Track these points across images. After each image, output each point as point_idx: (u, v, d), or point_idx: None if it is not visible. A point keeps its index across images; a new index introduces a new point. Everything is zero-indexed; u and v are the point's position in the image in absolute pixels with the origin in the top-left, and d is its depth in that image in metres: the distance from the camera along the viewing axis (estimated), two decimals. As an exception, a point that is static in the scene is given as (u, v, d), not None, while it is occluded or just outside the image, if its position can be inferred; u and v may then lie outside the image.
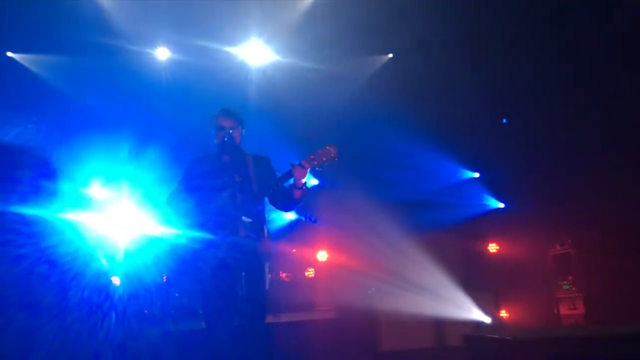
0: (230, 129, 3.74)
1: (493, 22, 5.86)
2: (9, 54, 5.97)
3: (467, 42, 6.12)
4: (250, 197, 3.61)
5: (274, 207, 3.80)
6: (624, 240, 6.16)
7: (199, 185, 3.70)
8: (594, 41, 5.70)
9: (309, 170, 3.55)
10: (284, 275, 6.86)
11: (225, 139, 3.72)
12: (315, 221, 6.43)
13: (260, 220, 3.67)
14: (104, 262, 4.47)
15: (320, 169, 3.55)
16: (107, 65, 5.93)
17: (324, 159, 3.51)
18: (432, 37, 6.02)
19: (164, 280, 5.67)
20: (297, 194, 3.59)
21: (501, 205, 8.03)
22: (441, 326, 6.64)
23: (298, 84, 6.40)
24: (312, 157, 3.53)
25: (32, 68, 6.06)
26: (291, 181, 3.58)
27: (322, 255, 7.36)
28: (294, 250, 6.88)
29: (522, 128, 6.99)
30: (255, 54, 6.26)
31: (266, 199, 3.74)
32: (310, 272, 7.36)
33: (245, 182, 3.66)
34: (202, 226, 3.55)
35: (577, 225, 6.90)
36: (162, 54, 6.18)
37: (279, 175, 3.68)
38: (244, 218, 3.55)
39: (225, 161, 3.74)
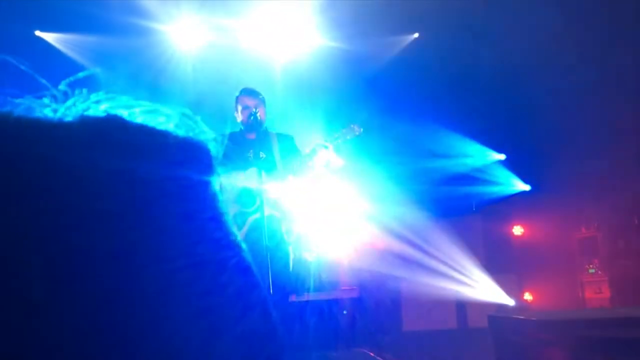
0: (255, 107, 3.77)
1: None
2: (38, 32, 6.04)
3: (494, 22, 6.03)
4: (275, 175, 3.63)
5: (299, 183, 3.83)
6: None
7: (224, 162, 3.73)
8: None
9: (332, 148, 3.57)
10: (307, 255, 6.89)
11: (251, 118, 3.74)
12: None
13: (283, 197, 3.70)
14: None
15: (345, 143, 3.56)
16: (134, 45, 5.96)
17: (348, 136, 3.53)
18: (458, 17, 5.94)
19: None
20: (320, 172, 3.62)
21: (527, 187, 7.94)
22: (464, 308, 6.64)
23: (322, 64, 6.37)
24: (336, 135, 3.54)
25: (61, 47, 6.12)
26: (316, 160, 3.60)
27: (346, 237, 7.37)
28: (318, 229, 6.90)
29: (548, 109, 6.88)
30: (280, 33, 6.25)
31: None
32: (333, 253, 7.37)
33: (268, 160, 3.69)
34: (227, 201, 3.59)
35: (603, 208, 6.80)
36: (186, 34, 6.19)
37: (303, 153, 3.70)
38: (268, 194, 3.58)
39: (250, 139, 3.77)
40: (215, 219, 0.50)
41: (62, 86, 0.59)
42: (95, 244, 0.40)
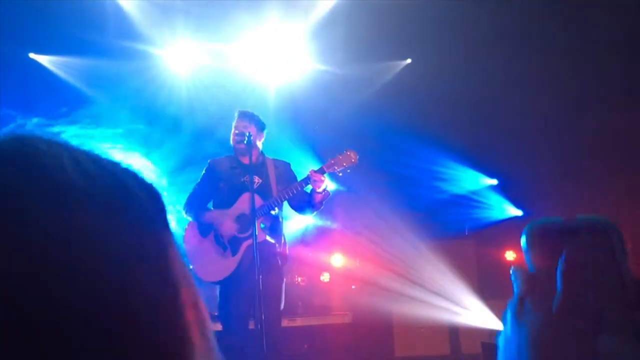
0: (249, 131, 3.76)
1: (513, 25, 5.82)
2: (32, 55, 6.04)
3: (487, 46, 6.09)
4: (269, 201, 3.61)
5: (293, 211, 3.80)
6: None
7: (219, 186, 3.71)
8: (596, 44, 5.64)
9: (328, 174, 3.55)
10: (299, 279, 6.85)
11: (244, 142, 3.73)
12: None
13: (277, 224, 3.67)
14: None
15: (341, 174, 3.55)
16: (128, 68, 5.97)
17: (345, 164, 3.52)
18: (451, 42, 6.00)
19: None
20: (317, 198, 3.59)
21: (519, 212, 7.95)
22: (457, 333, 6.59)
23: (315, 88, 6.40)
24: (332, 161, 3.53)
25: (54, 69, 6.13)
26: (311, 186, 3.58)
27: (337, 260, 7.34)
28: (310, 254, 6.88)
29: (541, 135, 6.93)
30: (273, 57, 6.28)
31: (285, 203, 3.74)
32: (325, 277, 7.33)
33: (264, 185, 3.67)
34: (221, 228, 3.56)
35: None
36: (180, 57, 6.21)
37: (299, 179, 3.68)
38: (261, 221, 3.55)
39: (244, 164, 3.75)
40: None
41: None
42: None
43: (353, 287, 6.73)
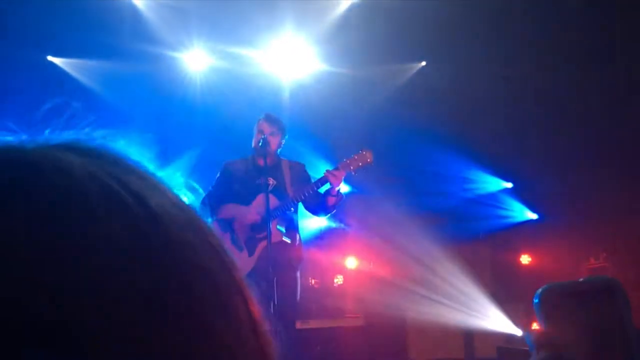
0: (269, 134, 3.77)
1: (525, 28, 5.80)
2: (50, 58, 6.11)
3: (500, 51, 6.07)
4: (284, 202, 3.62)
5: (307, 212, 3.81)
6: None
7: (233, 188, 3.72)
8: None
9: (344, 175, 3.55)
10: (313, 281, 6.84)
11: (260, 144, 3.75)
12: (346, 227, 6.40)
13: (293, 225, 3.68)
14: None
15: (356, 174, 3.54)
16: (145, 70, 6.02)
17: (360, 163, 3.51)
18: (466, 45, 5.98)
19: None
20: (331, 200, 3.60)
21: (534, 216, 7.89)
22: (471, 337, 6.54)
23: (330, 91, 6.41)
24: (347, 161, 3.53)
25: (72, 72, 6.19)
26: (326, 187, 3.58)
27: (351, 262, 7.33)
28: (324, 256, 6.88)
29: (556, 138, 6.87)
30: (288, 59, 6.30)
31: (300, 205, 3.74)
32: (338, 279, 7.32)
33: (279, 187, 3.68)
34: (237, 228, 3.57)
35: (613, 238, 6.74)
36: (196, 60, 6.25)
37: (314, 181, 3.68)
38: (277, 223, 3.56)
39: (260, 165, 3.77)
40: None
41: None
42: None
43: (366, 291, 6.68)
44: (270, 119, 3.83)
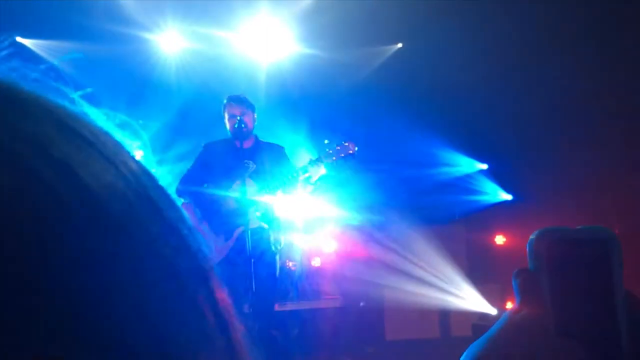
0: (241, 115, 3.76)
1: (500, 6, 5.82)
2: (19, 39, 5.95)
3: (479, 33, 6.08)
4: (263, 185, 3.62)
5: (287, 197, 3.81)
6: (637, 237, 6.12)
7: (213, 170, 3.71)
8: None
9: (325, 165, 3.56)
10: (290, 264, 6.87)
11: (236, 126, 3.73)
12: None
13: (271, 209, 3.68)
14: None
15: (337, 164, 3.56)
16: (118, 52, 5.91)
17: (342, 154, 3.52)
18: (442, 27, 5.99)
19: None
20: (310, 188, 3.61)
21: (509, 197, 8.00)
22: (447, 317, 6.65)
23: (306, 72, 6.38)
24: (329, 151, 3.54)
25: (42, 54, 6.05)
26: (307, 176, 3.59)
27: (328, 245, 7.37)
28: (301, 239, 6.90)
29: (531, 118, 6.95)
30: (264, 41, 6.25)
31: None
32: (316, 261, 7.36)
33: (258, 170, 3.67)
34: (215, 213, 3.56)
35: (584, 217, 6.87)
36: (171, 41, 6.16)
37: (293, 164, 3.69)
38: (256, 205, 3.56)
39: (239, 148, 3.76)
40: None
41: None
42: None
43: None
44: (238, 100, 3.82)
